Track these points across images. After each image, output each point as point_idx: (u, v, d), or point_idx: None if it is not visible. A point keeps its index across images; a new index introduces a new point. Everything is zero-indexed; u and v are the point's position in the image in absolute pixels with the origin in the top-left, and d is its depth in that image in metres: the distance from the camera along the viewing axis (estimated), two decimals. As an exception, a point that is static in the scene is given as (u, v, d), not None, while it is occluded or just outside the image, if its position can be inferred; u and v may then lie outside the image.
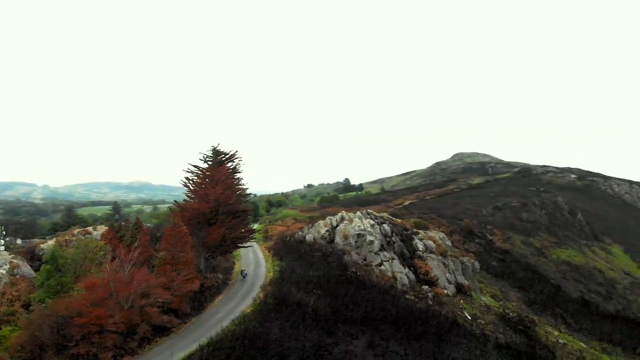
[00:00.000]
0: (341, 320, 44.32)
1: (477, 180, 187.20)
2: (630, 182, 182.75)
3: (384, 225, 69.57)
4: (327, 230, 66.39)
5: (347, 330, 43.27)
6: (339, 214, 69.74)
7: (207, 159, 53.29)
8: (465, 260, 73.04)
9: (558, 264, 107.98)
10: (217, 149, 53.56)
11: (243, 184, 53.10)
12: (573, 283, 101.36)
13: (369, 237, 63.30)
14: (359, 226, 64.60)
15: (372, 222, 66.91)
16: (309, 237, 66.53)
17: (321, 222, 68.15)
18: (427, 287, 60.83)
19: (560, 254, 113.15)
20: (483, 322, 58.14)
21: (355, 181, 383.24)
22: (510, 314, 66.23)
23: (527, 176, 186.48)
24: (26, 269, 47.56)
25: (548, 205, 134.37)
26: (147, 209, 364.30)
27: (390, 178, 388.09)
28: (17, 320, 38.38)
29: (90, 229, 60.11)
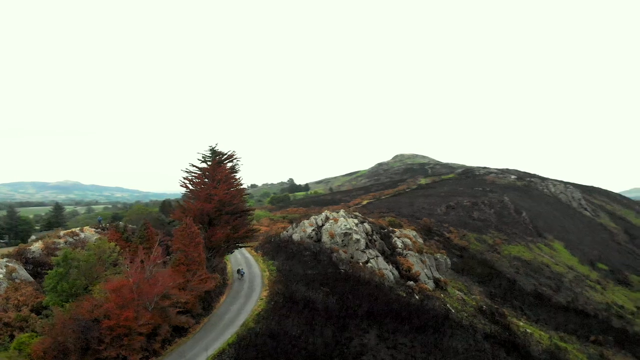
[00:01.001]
0: (349, 316, 45.97)
1: (424, 180, 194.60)
2: (565, 183, 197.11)
3: (364, 224, 71.87)
4: (314, 230, 67.72)
5: (357, 325, 44.97)
6: (323, 213, 71.30)
7: (206, 159, 53.13)
8: (438, 256, 76.84)
9: (510, 260, 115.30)
10: (215, 148, 53.54)
11: (243, 183, 53.44)
12: (525, 277, 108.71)
13: (355, 236, 65.31)
14: (345, 225, 66.46)
15: (356, 221, 69.01)
16: (295, 237, 67.55)
17: (306, 222, 69.33)
18: (412, 282, 63.70)
19: (511, 250, 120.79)
20: (465, 315, 61.87)
21: (298, 181, 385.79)
22: (484, 306, 70.69)
23: (470, 177, 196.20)
24: (23, 272, 45.45)
25: (496, 205, 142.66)
26: (81, 210, 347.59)
27: (335, 178, 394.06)
28: (32, 325, 37.02)
29: (76, 230, 57.87)
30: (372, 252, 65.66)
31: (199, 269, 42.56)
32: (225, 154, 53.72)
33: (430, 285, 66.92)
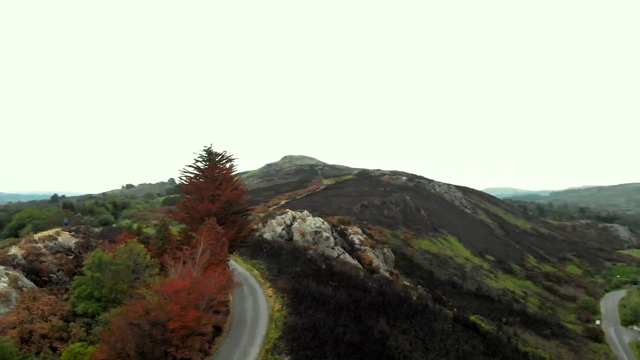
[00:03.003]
0: (359, 307, 49.59)
1: (327, 181, 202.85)
2: (448, 185, 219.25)
3: (325, 222, 75.65)
4: (283, 229, 69.80)
5: (368, 315, 48.77)
6: (289, 213, 73.53)
7: (203, 159, 52.93)
8: (385, 251, 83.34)
9: (422, 253, 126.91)
10: (210, 149, 53.56)
11: (244, 184, 53.96)
12: (438, 268, 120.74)
13: (325, 234, 68.88)
14: (315, 224, 69.67)
15: (322, 219, 72.50)
16: (267, 236, 68.99)
17: (274, 222, 71.06)
18: (377, 275, 69.05)
19: (420, 244, 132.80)
20: (425, 301, 68.72)
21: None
22: (431, 294, 78.64)
23: (368, 178, 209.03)
24: (26, 280, 41.65)
25: (400, 204, 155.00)
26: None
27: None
28: (77, 335, 34.97)
29: (52, 233, 53.08)
30: (340, 248, 69.71)
31: (226, 268, 43.08)
32: (220, 154, 53.94)
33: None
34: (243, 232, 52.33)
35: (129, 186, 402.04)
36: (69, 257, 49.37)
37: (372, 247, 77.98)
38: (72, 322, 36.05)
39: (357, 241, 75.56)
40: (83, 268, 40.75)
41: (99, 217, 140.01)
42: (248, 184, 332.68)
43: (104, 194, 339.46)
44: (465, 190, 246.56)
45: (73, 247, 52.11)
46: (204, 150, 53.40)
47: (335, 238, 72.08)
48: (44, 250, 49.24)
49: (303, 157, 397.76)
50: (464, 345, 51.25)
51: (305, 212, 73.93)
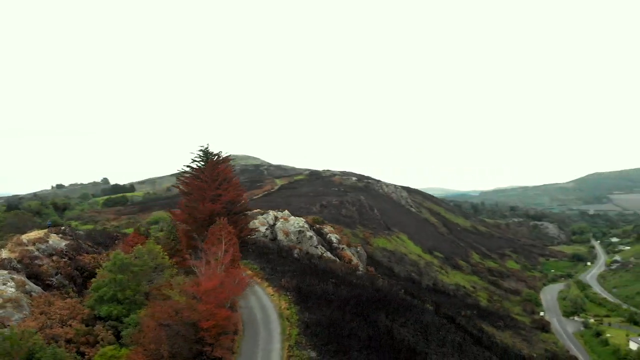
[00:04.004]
0: (360, 303, 51.31)
1: (280, 181, 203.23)
2: (395, 185, 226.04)
3: (306, 222, 76.81)
4: (267, 229, 70.21)
5: (370, 309, 50.59)
6: (271, 213, 73.97)
7: (200, 160, 52.65)
8: (359, 249, 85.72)
9: (381, 251, 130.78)
10: (207, 150, 53.39)
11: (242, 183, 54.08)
12: (397, 265, 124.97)
13: (308, 233, 70.14)
14: (298, 223, 70.72)
15: (303, 219, 73.65)
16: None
17: (257, 222, 71.22)
18: (359, 272, 71.14)
19: (378, 242, 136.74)
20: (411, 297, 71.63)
21: (113, 181, 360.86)
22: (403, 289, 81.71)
23: (319, 178, 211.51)
24: (31, 284, 39.85)
25: (356, 203, 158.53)
26: None
27: (162, 178, 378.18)
28: (106, 338, 34.20)
29: (42, 236, 50.38)
30: (322, 247, 71.20)
31: (239, 266, 43.43)
32: (217, 154, 53.86)
33: (365, 274, 75.10)
34: (244, 232, 52.59)
35: (60, 186, 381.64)
36: (65, 260, 47.47)
37: (349, 245, 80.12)
38: (98, 326, 35.17)
39: (334, 240, 77.34)
40: (97, 270, 39.85)
41: (47, 218, 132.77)
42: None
43: (34, 194, 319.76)
44: (409, 190, 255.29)
45: (65, 250, 50.07)
46: (200, 150, 53.16)
47: (317, 237, 73.43)
48: (37, 253, 47.11)
49: (247, 157, 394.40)
50: (454, 336, 54.31)
51: (286, 211, 74.75)
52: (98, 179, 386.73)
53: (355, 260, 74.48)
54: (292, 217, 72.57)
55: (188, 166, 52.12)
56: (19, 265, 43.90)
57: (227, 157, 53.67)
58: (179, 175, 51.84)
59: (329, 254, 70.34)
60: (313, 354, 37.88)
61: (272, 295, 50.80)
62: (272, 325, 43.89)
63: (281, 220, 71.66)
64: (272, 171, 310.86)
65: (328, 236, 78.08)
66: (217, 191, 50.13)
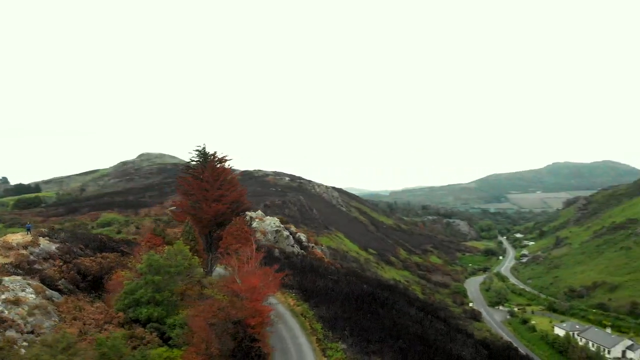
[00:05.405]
0: (361, 296, 53.84)
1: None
2: (326, 186, 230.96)
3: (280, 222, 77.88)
4: (244, 229, 70.44)
5: (367, 303, 53.25)
6: (247, 213, 73.98)
7: (198, 160, 52.28)
8: (323, 247, 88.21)
9: (322, 249, 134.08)
10: (204, 150, 53.11)
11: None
12: (342, 262, 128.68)
13: (284, 233, 71.50)
14: (275, 223, 71.75)
15: (277, 219, 74.76)
16: (230, 236, 68.98)
17: (233, 221, 71.13)
18: (332, 268, 73.58)
19: (322, 240, 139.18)
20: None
21: (14, 181, 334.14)
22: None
23: (252, 178, 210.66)
24: (49, 290, 37.70)
25: (297, 203, 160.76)
26: None
27: (70, 177, 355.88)
28: (153, 341, 33.66)
29: (32, 238, 46.79)
30: (297, 246, 72.92)
31: (255, 265, 44.16)
32: (214, 154, 53.70)
33: (334, 271, 77.81)
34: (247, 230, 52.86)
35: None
36: (67, 264, 45.08)
37: (316, 243, 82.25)
38: (139, 329, 34.50)
39: (303, 239, 79.19)
40: (123, 272, 38.91)
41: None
42: (104, 184, 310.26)
43: None
44: (339, 190, 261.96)
45: (58, 253, 47.40)
46: (197, 151, 52.81)
47: (292, 237, 74.86)
48: (32, 257, 44.32)
49: (163, 155, 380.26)
50: (441, 326, 58.62)
51: (259, 211, 75.32)
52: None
53: (327, 258, 76.81)
54: (268, 217, 73.39)
55: (187, 166, 51.39)
56: (20, 271, 41.27)
57: (224, 157, 53.60)
58: (177, 176, 50.83)
59: (304, 253, 72.06)
60: (343, 346, 39.80)
61: (276, 293, 51.82)
62: (288, 320, 45.13)
63: (257, 220, 72.20)
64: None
65: (297, 235, 79.69)
66: (218, 191, 50.08)
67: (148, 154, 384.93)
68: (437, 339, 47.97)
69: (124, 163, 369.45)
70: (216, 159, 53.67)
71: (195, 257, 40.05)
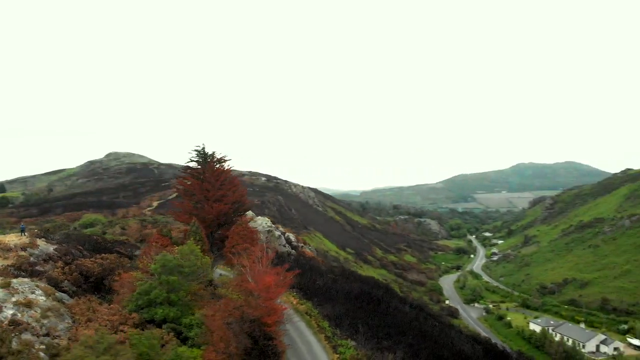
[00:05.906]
0: (360, 295, 54.70)
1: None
2: (302, 186, 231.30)
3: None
4: (236, 229, 70.40)
5: (365, 300, 54.20)
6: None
7: (198, 160, 52.17)
8: (311, 247, 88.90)
9: (308, 248, 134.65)
10: (203, 150, 53.06)
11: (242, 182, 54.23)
12: (325, 261, 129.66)
13: (276, 232, 71.79)
14: (267, 223, 71.95)
15: (268, 219, 75.00)
16: (223, 236, 68.83)
17: (225, 222, 70.99)
18: (325, 267, 74.31)
19: (303, 240, 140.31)
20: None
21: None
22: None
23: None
24: (58, 292, 37.06)
25: (276, 203, 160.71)
26: None
27: (35, 177, 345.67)
28: (172, 341, 33.64)
29: (30, 240, 45.61)
30: (288, 246, 73.39)
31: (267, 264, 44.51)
32: (212, 154, 53.71)
33: (324, 271, 78.59)
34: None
35: None
36: (68, 265, 44.32)
37: (305, 243, 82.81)
38: (156, 329, 34.39)
39: (293, 239, 79.64)
40: (135, 273, 38.70)
41: None
42: (71, 184, 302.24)
43: None
44: (315, 190, 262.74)
45: (57, 255, 46.55)
46: (197, 151, 52.74)
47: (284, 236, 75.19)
48: (32, 259, 43.43)
49: (131, 155, 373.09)
50: (433, 322, 60.14)
51: (250, 212, 75.35)
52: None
53: (316, 257, 77.42)
54: (259, 217, 73.51)
55: (187, 167, 51.23)
56: (22, 273, 40.43)
57: (223, 157, 53.69)
58: (177, 176, 50.66)
59: (295, 252, 72.51)
60: (353, 343, 40.56)
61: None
62: (293, 319, 45.53)
63: (249, 220, 72.21)
64: (163, 170, 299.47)
65: (286, 235, 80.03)
66: (219, 191, 50.15)
67: (116, 153, 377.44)
68: (439, 334, 49.23)
69: (91, 162, 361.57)
70: (215, 159, 53.72)
71: (207, 257, 40.12)
